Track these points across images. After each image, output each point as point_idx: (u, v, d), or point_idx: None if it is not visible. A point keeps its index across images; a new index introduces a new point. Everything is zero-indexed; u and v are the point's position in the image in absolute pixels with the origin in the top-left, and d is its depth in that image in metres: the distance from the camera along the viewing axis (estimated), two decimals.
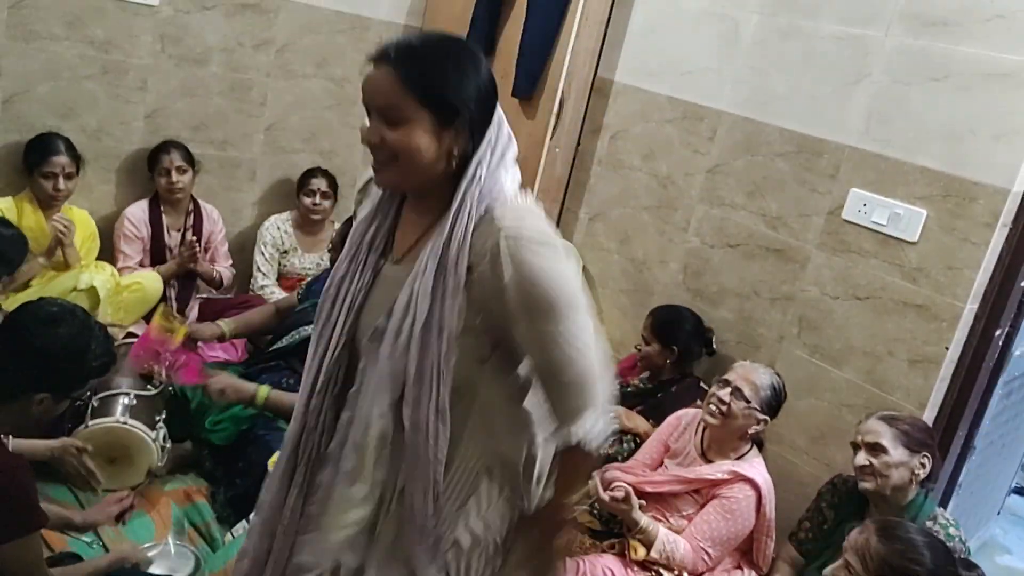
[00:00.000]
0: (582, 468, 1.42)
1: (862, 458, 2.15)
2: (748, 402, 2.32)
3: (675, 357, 2.81)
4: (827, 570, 1.88)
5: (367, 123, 1.29)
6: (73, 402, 1.81)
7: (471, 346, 1.33)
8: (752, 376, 2.36)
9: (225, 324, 2.90)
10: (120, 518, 2.10)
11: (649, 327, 2.86)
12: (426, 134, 1.24)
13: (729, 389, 2.34)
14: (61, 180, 2.97)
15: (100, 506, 2.12)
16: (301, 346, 2.69)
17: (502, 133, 1.32)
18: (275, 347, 2.82)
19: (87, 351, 1.71)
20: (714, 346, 2.88)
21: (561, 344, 1.30)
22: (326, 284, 1.42)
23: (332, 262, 3.01)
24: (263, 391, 2.41)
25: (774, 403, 2.37)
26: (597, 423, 1.35)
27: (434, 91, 1.24)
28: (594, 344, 1.34)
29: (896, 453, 2.11)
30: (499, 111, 1.32)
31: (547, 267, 1.26)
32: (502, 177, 1.30)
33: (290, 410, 2.41)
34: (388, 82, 1.24)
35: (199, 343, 3.10)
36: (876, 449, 2.13)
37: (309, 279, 3.12)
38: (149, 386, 2.48)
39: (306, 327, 2.70)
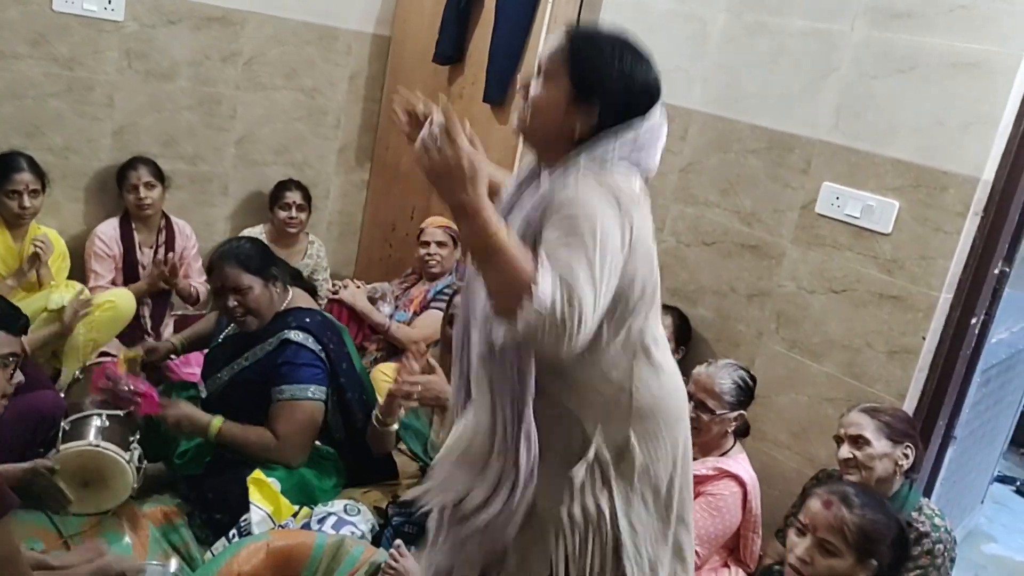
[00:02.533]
0: None
1: (846, 451, 2.15)
2: (714, 412, 2.31)
3: None
4: (794, 558, 1.81)
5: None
6: (12, 369, 1.81)
7: None
8: (711, 385, 2.33)
9: (176, 339, 2.84)
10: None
11: None
12: (560, 98, 1.39)
13: (692, 403, 2.33)
14: (26, 198, 2.93)
15: (79, 550, 2.08)
16: (226, 393, 2.48)
17: (646, 141, 1.42)
18: (203, 397, 2.60)
19: None
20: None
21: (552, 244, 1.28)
22: None
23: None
24: (215, 424, 2.34)
25: (743, 397, 2.36)
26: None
27: (582, 68, 1.39)
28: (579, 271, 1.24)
29: (879, 445, 2.11)
30: (655, 121, 1.43)
31: (580, 193, 1.32)
32: (617, 170, 1.38)
33: (242, 445, 2.35)
34: (559, 47, 1.43)
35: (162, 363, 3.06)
36: (859, 441, 2.13)
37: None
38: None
39: (222, 373, 2.49)
